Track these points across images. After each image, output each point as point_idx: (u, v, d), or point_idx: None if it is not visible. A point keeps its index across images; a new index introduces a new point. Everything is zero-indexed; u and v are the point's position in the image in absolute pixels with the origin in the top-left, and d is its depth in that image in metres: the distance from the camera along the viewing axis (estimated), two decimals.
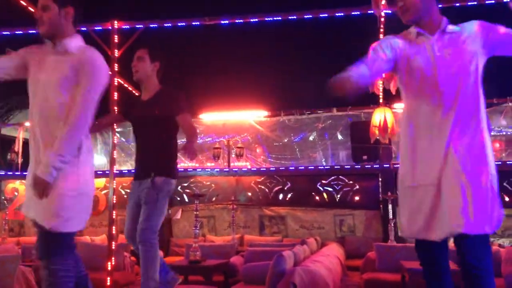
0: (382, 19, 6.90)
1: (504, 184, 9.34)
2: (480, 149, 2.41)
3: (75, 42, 2.73)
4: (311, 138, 11.94)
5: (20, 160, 11.93)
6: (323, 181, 10.61)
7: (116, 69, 6.67)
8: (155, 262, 3.58)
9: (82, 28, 6.98)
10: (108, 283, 5.80)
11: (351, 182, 10.46)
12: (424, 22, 2.60)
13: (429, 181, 2.43)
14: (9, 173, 11.64)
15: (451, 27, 2.59)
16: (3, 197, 11.41)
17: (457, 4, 6.37)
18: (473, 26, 2.56)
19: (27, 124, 12.18)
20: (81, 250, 7.12)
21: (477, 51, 2.52)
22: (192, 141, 3.53)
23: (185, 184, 10.96)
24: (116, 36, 6.68)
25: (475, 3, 6.39)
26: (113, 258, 5.96)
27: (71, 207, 2.57)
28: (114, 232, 6.22)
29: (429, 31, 2.58)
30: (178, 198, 10.91)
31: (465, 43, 2.53)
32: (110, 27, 6.74)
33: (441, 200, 2.36)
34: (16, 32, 7.18)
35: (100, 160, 12.94)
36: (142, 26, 6.92)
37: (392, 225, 7.88)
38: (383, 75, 6.96)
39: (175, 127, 3.76)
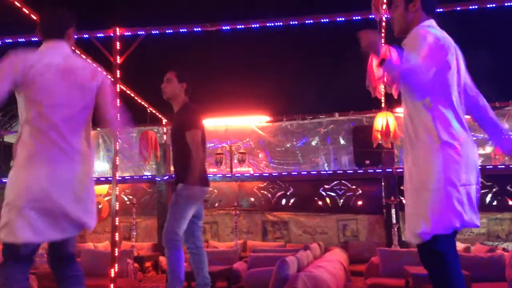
0: (383, 24, 6.91)
1: (508, 187, 9.32)
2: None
3: None
4: (313, 143, 11.93)
5: None
6: (326, 186, 10.60)
7: (118, 76, 6.69)
8: (177, 262, 3.86)
9: (84, 35, 7.02)
10: None
11: (354, 186, 10.45)
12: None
13: None
14: None
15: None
16: None
17: (458, 8, 6.37)
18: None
19: None
20: (84, 256, 7.15)
21: None
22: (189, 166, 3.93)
23: None
24: (118, 43, 6.70)
25: (476, 7, 6.39)
26: (116, 265, 5.95)
27: (3, 216, 2.56)
28: (117, 238, 6.21)
29: None
30: None
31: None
32: (112, 34, 6.77)
33: None
34: (19, 40, 7.21)
35: (102, 166, 12.94)
36: (143, 32, 6.94)
37: (396, 230, 7.85)
38: (385, 79, 6.98)
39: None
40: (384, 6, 6.11)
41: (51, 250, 2.79)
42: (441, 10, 5.90)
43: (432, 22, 2.59)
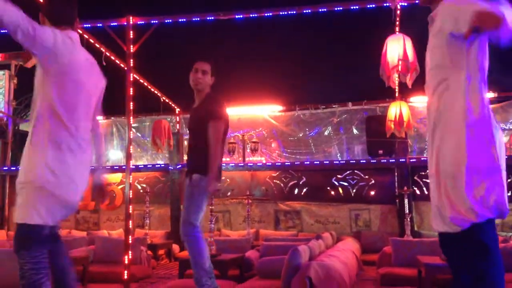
0: (398, 12, 6.83)
1: None
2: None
3: None
4: (326, 133, 11.90)
5: None
6: (339, 176, 10.57)
7: (132, 65, 6.72)
8: (199, 253, 3.79)
9: (98, 24, 7.05)
10: (125, 277, 5.86)
11: (366, 176, 10.41)
12: (435, 7, 2.37)
13: None
14: None
15: (436, 13, 2.33)
16: None
17: None
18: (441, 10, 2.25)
19: None
20: (98, 244, 7.25)
21: (446, 39, 2.23)
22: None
23: None
24: (131, 32, 6.72)
25: None
26: (130, 252, 6.03)
27: (28, 198, 2.63)
28: (130, 226, 6.28)
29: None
30: None
31: (436, 32, 2.30)
32: (125, 23, 6.79)
33: None
34: None
35: (116, 155, 13.06)
36: (157, 21, 6.95)
37: (409, 219, 7.82)
38: (399, 68, 6.91)
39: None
40: None
41: None
42: None
43: None
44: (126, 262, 5.93)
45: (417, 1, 6.62)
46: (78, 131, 2.74)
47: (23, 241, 2.60)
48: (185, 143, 11.91)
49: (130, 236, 6.16)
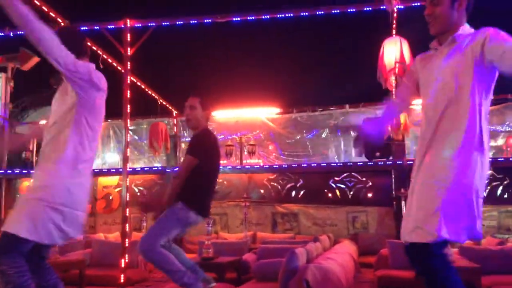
0: (394, 15, 6.85)
1: None
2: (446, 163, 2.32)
3: None
4: (323, 135, 11.90)
5: (34, 159, 12.07)
6: (336, 178, 10.58)
7: (129, 67, 6.72)
8: (165, 261, 3.66)
9: (95, 27, 7.05)
10: (122, 280, 5.85)
11: (364, 179, 10.41)
12: (447, 36, 2.43)
13: None
14: (24, 171, 11.77)
15: (458, 37, 2.39)
16: (18, 195, 11.54)
17: None
18: (480, 35, 2.29)
19: (41, 123, 12.33)
20: (95, 247, 7.23)
21: (475, 62, 2.28)
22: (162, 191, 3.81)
23: None
24: (128, 35, 6.72)
25: None
26: (126, 255, 6.01)
27: (28, 212, 2.68)
28: (127, 229, 6.27)
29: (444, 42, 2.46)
30: None
31: (460, 54, 2.34)
32: (122, 26, 6.79)
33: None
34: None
35: (113, 158, 13.03)
36: (154, 24, 6.95)
37: None
38: (396, 70, 6.94)
39: (198, 164, 3.87)
40: None
41: None
42: None
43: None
44: (123, 265, 5.92)
45: (414, 4, 6.66)
46: (93, 155, 2.94)
47: (4, 249, 2.64)
48: (183, 145, 11.91)
49: (127, 240, 6.16)
